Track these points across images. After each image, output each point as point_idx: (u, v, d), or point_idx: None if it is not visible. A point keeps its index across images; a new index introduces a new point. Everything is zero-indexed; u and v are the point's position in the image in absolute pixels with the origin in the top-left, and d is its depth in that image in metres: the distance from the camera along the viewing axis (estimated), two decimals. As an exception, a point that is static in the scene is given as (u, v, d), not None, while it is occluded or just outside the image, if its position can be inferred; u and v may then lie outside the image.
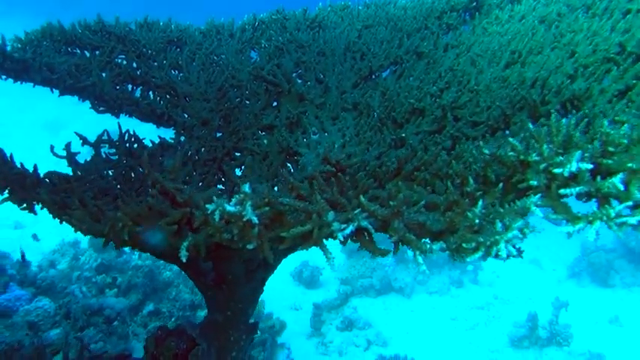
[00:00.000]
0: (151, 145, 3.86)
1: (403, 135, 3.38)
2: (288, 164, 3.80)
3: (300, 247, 1.55)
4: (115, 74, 4.12)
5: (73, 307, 6.07)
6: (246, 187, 1.44)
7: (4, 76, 3.76)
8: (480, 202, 1.57)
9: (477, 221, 1.53)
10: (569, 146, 1.67)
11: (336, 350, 7.69)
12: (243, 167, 3.67)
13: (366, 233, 1.60)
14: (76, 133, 3.61)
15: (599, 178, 1.60)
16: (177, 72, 4.46)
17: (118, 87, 4.13)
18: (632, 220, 1.49)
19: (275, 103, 4.20)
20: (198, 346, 3.04)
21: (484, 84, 3.46)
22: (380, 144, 3.44)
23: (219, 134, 3.99)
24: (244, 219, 1.44)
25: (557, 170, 1.57)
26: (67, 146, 3.58)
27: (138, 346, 6.13)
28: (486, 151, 1.77)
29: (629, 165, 1.58)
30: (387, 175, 2.25)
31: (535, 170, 1.61)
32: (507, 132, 2.91)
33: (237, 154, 3.92)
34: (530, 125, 1.84)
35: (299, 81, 4.24)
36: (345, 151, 3.49)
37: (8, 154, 2.65)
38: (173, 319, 7.20)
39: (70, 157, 3.55)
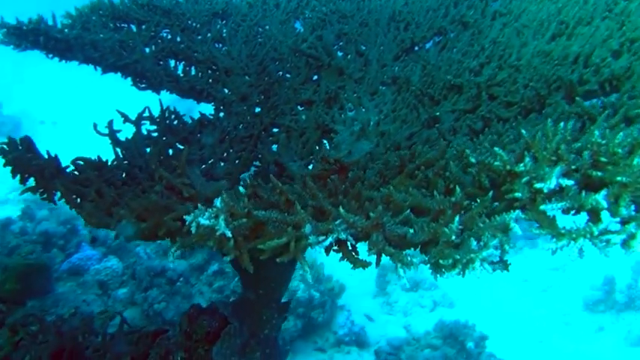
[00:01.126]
0: (190, 121, 3.90)
1: (437, 114, 3.28)
2: (325, 141, 3.76)
3: (280, 258, 1.54)
4: (159, 49, 4.16)
5: (137, 268, 6.32)
6: (218, 202, 1.43)
7: (50, 55, 3.86)
8: (457, 218, 1.51)
9: (452, 238, 1.48)
10: (559, 157, 1.57)
11: (401, 310, 7.66)
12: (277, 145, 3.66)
13: (349, 243, 1.57)
14: (118, 111, 3.67)
15: (583, 192, 1.50)
16: (220, 45, 4.46)
17: (160, 62, 4.17)
18: (616, 239, 1.40)
19: (315, 77, 4.15)
20: (230, 325, 3.10)
21: (526, 59, 3.30)
22: (413, 123, 3.36)
23: (258, 109, 3.98)
24: (217, 233, 1.43)
25: (538, 185, 1.48)
26: (110, 124, 3.67)
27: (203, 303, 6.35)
28: (473, 160, 1.69)
29: (619, 178, 1.48)
30: (393, 171, 2.19)
31: (521, 182, 1.53)
32: (542, 114, 2.77)
33: (275, 129, 3.91)
34: (524, 132, 1.74)
35: (339, 54, 4.16)
36: (380, 129, 3.44)
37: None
38: (236, 279, 7.37)
39: (112, 135, 3.64)
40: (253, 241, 1.53)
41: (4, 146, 2.32)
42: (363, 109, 3.76)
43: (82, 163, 2.64)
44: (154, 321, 5.73)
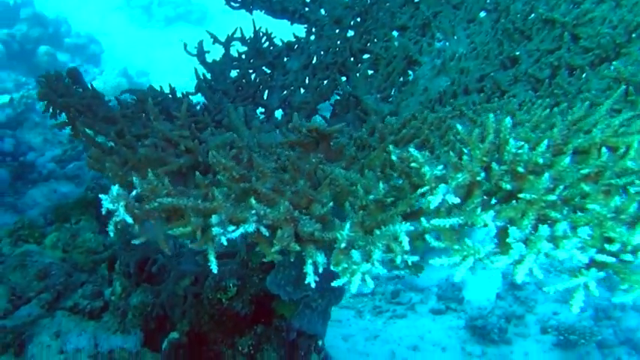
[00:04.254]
0: (281, 44, 3.85)
1: (517, 53, 2.94)
2: (410, 72, 3.55)
3: (192, 245, 1.52)
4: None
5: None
6: (115, 190, 1.42)
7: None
8: (347, 224, 1.37)
9: (342, 245, 1.35)
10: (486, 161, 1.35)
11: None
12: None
13: (264, 233, 1.50)
14: (208, 32, 3.71)
15: (478, 209, 1.28)
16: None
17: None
18: (499, 263, 1.21)
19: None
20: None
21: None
22: (493, 61, 3.04)
23: (351, 33, 3.82)
24: (117, 219, 1.43)
25: (429, 199, 1.29)
26: (199, 44, 3.74)
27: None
28: (394, 157, 1.49)
29: (523, 195, 1.24)
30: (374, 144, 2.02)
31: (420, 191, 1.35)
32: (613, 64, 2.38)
33: (365, 56, 3.74)
34: (459, 126, 1.49)
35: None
36: (460, 65, 3.17)
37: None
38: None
39: (201, 55, 3.71)
40: (169, 225, 1.50)
41: (42, 78, 2.43)
42: (456, 38, 3.47)
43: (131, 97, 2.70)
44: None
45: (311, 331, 3.25)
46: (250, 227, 1.43)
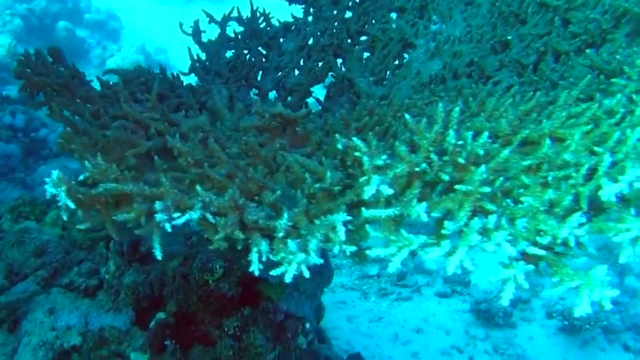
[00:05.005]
0: (278, 24, 3.83)
1: (509, 37, 2.89)
2: (405, 55, 3.52)
3: (138, 231, 1.52)
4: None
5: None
6: (55, 174, 1.43)
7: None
8: (286, 214, 1.36)
9: (281, 235, 1.35)
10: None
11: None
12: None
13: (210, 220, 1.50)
14: (204, 11, 3.71)
15: (414, 201, 1.27)
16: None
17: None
18: (431, 255, 1.20)
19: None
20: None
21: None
22: (484, 45, 3.00)
23: (349, 14, 3.79)
24: (59, 203, 1.44)
25: (364, 190, 1.28)
26: (195, 23, 3.74)
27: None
28: (339, 146, 1.48)
29: (459, 187, 1.23)
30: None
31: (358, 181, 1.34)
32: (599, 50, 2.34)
33: (363, 37, 3.71)
34: (407, 116, 1.47)
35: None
36: (454, 49, 3.14)
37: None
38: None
39: (196, 35, 3.71)
40: (114, 211, 1.51)
41: (21, 57, 2.45)
42: (452, 21, 3.42)
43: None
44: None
45: (299, 313, 3.26)
46: (195, 214, 1.43)
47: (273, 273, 1.33)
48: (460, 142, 1.30)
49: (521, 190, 1.30)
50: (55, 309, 3.43)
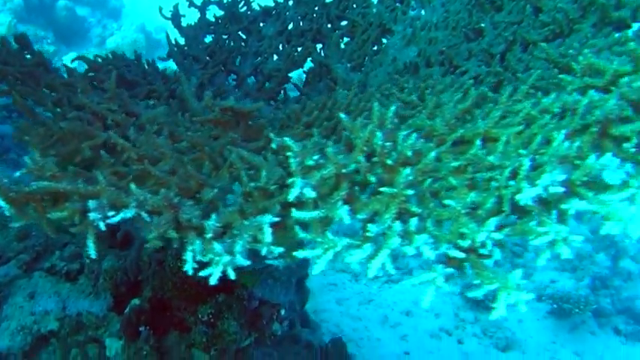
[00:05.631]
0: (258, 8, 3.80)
1: (482, 25, 2.86)
2: (384, 40, 3.49)
3: (73, 229, 1.52)
4: None
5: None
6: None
7: None
8: (214, 214, 1.36)
9: (209, 235, 1.35)
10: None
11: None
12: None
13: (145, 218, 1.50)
14: (184, -5, 3.68)
15: (340, 203, 1.26)
16: None
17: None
18: (353, 257, 1.20)
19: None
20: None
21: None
22: (459, 32, 2.97)
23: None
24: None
25: (289, 191, 1.28)
26: (175, 7, 3.71)
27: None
28: (273, 145, 1.47)
29: (383, 189, 1.22)
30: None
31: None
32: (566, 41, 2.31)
33: (344, 22, 3.68)
34: (343, 116, 1.45)
35: None
36: (429, 35, 3.11)
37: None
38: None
39: (176, 19, 3.69)
40: (51, 209, 1.52)
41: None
42: (431, 6, 3.39)
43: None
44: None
45: (274, 300, 3.28)
46: (129, 213, 1.43)
47: (201, 274, 1.33)
48: (388, 144, 1.29)
49: (449, 192, 1.29)
50: (35, 293, 3.45)
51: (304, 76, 3.52)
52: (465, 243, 1.20)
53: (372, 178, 1.29)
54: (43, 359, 3.22)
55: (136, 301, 3.06)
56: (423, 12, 3.38)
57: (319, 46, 3.51)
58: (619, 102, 1.26)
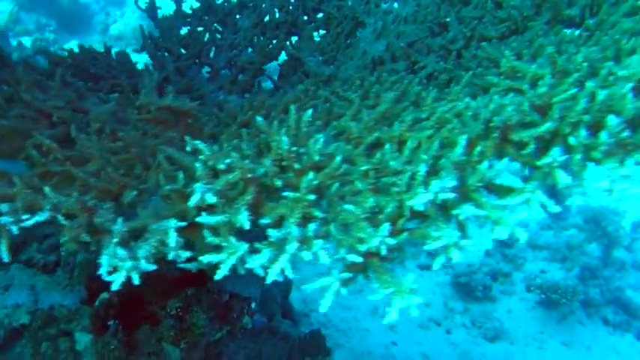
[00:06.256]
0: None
1: (447, 20, 2.84)
2: (358, 34, 3.47)
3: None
4: None
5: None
6: None
7: None
8: (120, 219, 1.36)
9: (115, 240, 1.35)
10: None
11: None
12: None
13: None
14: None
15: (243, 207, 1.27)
16: None
17: None
18: (254, 263, 1.20)
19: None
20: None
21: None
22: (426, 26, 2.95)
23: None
24: None
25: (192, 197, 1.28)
26: (151, -2, 3.71)
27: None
28: (188, 148, 1.47)
29: (286, 193, 1.23)
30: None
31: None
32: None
33: (320, 15, 3.67)
34: (259, 119, 1.45)
35: None
36: (398, 29, 3.09)
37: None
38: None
39: (151, 10, 3.69)
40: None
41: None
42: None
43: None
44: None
45: (244, 293, 3.29)
46: (43, 216, 1.44)
47: (109, 279, 1.34)
48: (295, 148, 1.29)
49: (355, 197, 1.29)
50: (10, 286, 3.48)
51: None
52: (363, 247, 1.20)
53: (278, 183, 1.28)
54: (17, 352, 3.25)
55: (105, 295, 3.07)
56: (395, 5, 3.36)
57: (295, 38, 3.50)
58: (523, 108, 1.25)
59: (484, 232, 5.22)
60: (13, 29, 10.68)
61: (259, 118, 1.42)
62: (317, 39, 3.57)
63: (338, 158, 1.28)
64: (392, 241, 1.17)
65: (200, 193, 1.25)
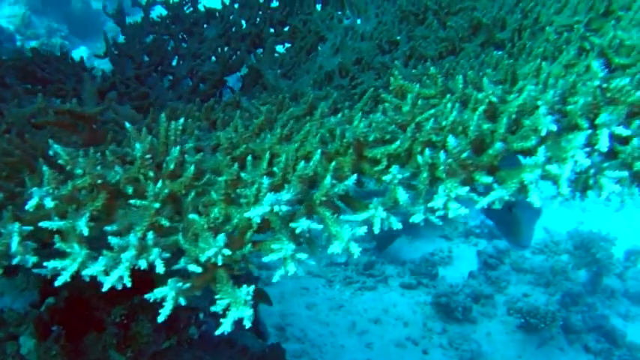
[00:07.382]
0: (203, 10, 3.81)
1: (398, 38, 2.83)
2: (320, 48, 3.47)
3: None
4: None
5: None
6: None
7: None
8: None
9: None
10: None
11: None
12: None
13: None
14: (127, -7, 3.69)
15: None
16: None
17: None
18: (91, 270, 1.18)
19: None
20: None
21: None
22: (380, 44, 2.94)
23: (275, 4, 3.74)
24: None
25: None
26: (119, 4, 3.73)
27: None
28: (50, 152, 1.46)
29: (133, 201, 1.21)
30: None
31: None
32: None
33: (286, 28, 3.67)
34: (127, 125, 1.43)
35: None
36: (355, 46, 3.08)
37: None
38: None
39: (119, 16, 3.71)
40: None
41: None
42: (366, 15, 3.36)
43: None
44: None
45: (192, 303, 3.26)
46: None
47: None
48: (148, 156, 1.27)
49: (209, 208, 1.27)
50: (-33, 288, 3.49)
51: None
52: (203, 257, 1.18)
53: (129, 190, 1.27)
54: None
55: (50, 300, 3.06)
56: (358, 21, 3.35)
57: (260, 50, 3.50)
58: (382, 126, 1.23)
59: (469, 253, 5.17)
60: (25, 33, 10.80)
61: (127, 125, 1.40)
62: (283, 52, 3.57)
63: (191, 168, 1.26)
64: (228, 252, 1.15)
65: (38, 198, 1.24)
